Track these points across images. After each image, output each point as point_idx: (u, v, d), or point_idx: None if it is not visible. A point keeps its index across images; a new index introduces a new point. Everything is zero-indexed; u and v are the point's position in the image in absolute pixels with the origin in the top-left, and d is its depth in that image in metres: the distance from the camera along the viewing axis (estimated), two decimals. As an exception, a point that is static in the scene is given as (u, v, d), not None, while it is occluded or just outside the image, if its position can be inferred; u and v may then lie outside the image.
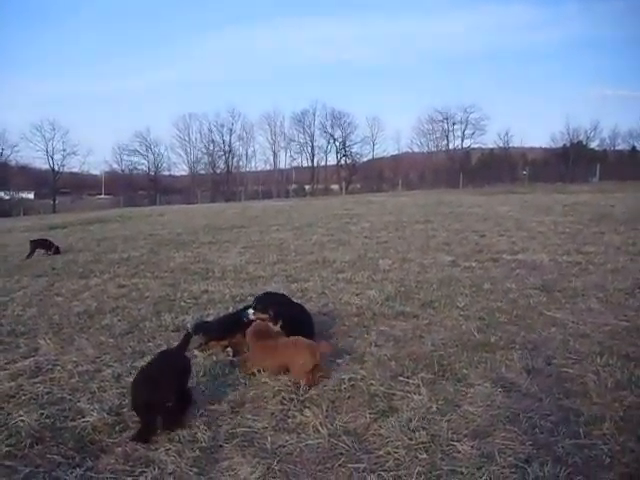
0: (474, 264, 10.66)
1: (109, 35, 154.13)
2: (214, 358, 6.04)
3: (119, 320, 7.81)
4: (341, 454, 3.96)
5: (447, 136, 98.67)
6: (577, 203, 22.82)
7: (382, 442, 4.09)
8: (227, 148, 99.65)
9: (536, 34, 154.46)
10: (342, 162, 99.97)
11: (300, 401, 4.84)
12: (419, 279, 9.52)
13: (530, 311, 7.31)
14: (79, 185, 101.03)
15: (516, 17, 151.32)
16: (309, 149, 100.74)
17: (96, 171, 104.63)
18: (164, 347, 6.42)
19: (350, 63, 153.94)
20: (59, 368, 5.94)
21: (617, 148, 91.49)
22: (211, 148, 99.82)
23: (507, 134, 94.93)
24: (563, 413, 4.39)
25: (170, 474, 3.79)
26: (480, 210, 22.05)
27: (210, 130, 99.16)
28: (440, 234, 15.32)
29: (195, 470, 3.83)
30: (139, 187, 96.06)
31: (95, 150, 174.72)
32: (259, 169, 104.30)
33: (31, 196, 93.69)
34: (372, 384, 5.10)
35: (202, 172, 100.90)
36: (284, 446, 4.12)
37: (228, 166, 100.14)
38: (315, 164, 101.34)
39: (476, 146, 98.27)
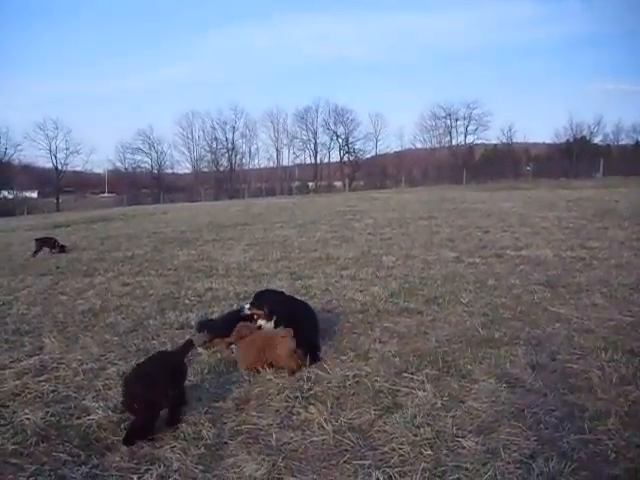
0: (478, 260, 10.66)
1: (110, 34, 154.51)
2: (218, 355, 6.04)
3: (123, 318, 7.82)
4: (346, 450, 3.96)
5: (450, 132, 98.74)
6: (581, 198, 22.77)
7: (387, 438, 4.09)
8: (230, 145, 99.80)
9: (538, 29, 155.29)
10: (345, 159, 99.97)
11: (305, 398, 4.84)
12: (423, 275, 9.52)
13: (534, 307, 7.30)
14: (82, 184, 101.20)
15: (518, 12, 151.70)
16: (312, 146, 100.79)
17: (99, 170, 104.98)
18: (168, 345, 6.45)
19: (353, 60, 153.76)
20: (64, 366, 5.95)
21: (621, 143, 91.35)
22: (214, 146, 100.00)
23: (510, 130, 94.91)
24: (568, 408, 4.39)
25: (175, 471, 3.79)
26: (484, 206, 22.01)
27: (213, 128, 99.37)
28: (444, 230, 15.32)
29: (200, 467, 3.83)
30: (142, 185, 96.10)
31: (98, 149, 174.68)
32: (262, 166, 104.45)
33: (34, 195, 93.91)
34: (377, 380, 5.10)
35: (205, 170, 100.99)
36: (289, 443, 4.12)
37: (231, 164, 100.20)
38: (318, 161, 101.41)
39: (479, 142, 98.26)
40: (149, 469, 3.84)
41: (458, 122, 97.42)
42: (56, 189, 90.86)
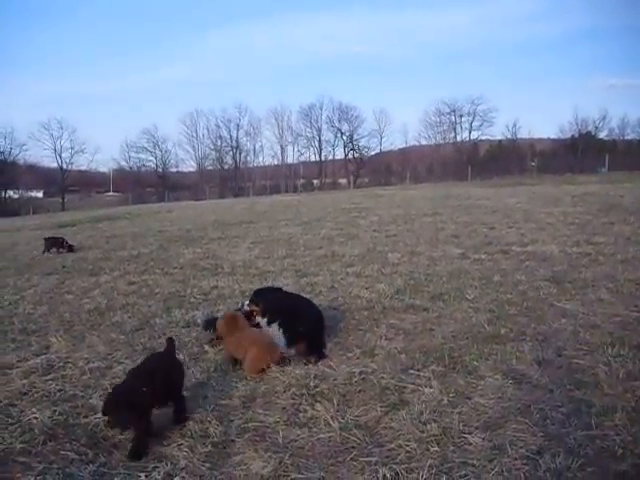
0: (483, 256, 10.64)
1: (113, 33, 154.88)
2: (224, 353, 6.04)
3: (129, 317, 7.84)
4: (352, 447, 3.96)
5: (455, 128, 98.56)
6: (586, 194, 22.73)
7: (393, 435, 4.09)
8: (234, 144, 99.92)
9: (541, 24, 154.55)
10: (350, 156, 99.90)
11: (311, 395, 4.84)
12: (428, 272, 9.52)
13: (540, 303, 7.29)
14: (87, 183, 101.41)
15: (520, 7, 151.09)
16: (316, 143, 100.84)
17: (104, 169, 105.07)
18: (175, 343, 6.46)
19: (356, 57, 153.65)
20: (71, 365, 5.97)
21: (626, 138, 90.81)
22: (218, 144, 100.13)
23: (515, 125, 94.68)
24: (574, 404, 4.38)
25: (182, 469, 3.80)
26: (489, 202, 21.99)
27: (217, 126, 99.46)
28: (449, 227, 15.30)
29: (207, 465, 3.84)
30: (147, 184, 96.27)
31: (103, 148, 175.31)
32: (267, 164, 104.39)
33: (40, 195, 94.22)
34: (383, 377, 5.10)
35: (210, 168, 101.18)
36: (296, 440, 4.13)
37: (236, 162, 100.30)
38: (323, 158, 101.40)
39: (484, 138, 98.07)
40: (156, 467, 3.85)
41: (462, 118, 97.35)
42: (61, 188, 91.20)
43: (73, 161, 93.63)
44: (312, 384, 5.04)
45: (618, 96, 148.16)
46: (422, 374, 5.14)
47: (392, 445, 3.95)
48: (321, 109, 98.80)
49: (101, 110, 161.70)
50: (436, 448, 3.85)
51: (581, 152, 77.69)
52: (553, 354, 5.46)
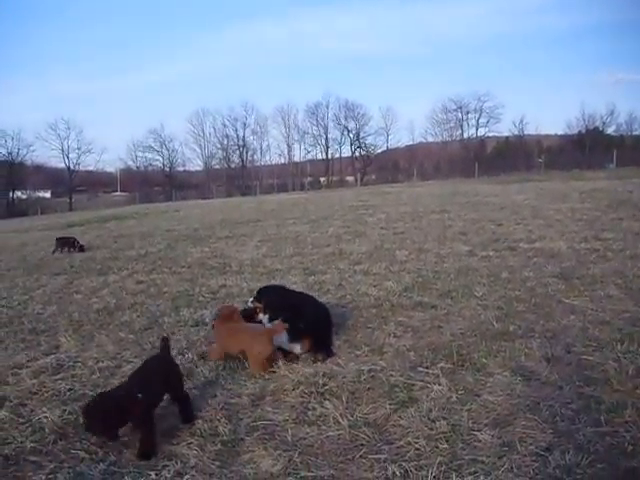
0: (491, 253, 10.63)
1: (120, 32, 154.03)
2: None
3: (138, 316, 7.86)
4: (362, 445, 3.96)
5: (461, 125, 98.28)
6: (594, 190, 22.64)
7: (402, 432, 4.09)
8: (241, 142, 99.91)
9: (548, 18, 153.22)
10: (356, 154, 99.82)
11: (320, 393, 4.84)
12: (436, 269, 9.51)
13: (548, 299, 7.27)
14: (95, 183, 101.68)
15: (527, 1, 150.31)
16: (323, 141, 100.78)
17: (111, 168, 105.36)
18: (183, 342, 6.48)
19: (362, 54, 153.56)
20: (80, 365, 6.00)
21: (634, 133, 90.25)
22: (225, 143, 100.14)
23: (522, 122, 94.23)
24: (584, 401, 4.37)
25: (192, 467, 3.81)
26: (496, 199, 21.94)
27: (224, 125, 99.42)
28: (456, 224, 15.28)
29: (217, 463, 3.85)
30: (154, 183, 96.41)
31: (110, 148, 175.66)
32: (274, 162, 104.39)
33: (47, 195, 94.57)
34: (392, 375, 5.11)
35: (217, 167, 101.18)
36: (305, 438, 4.14)
37: (243, 160, 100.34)
38: (329, 156, 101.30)
39: (491, 135, 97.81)
40: (166, 465, 3.86)
41: (469, 115, 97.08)
42: (69, 189, 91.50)
43: (80, 161, 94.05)
44: (321, 382, 5.04)
45: (626, 91, 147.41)
46: (431, 371, 5.14)
47: (401, 442, 3.96)
48: (327, 107, 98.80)
49: (108, 110, 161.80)
50: (445, 445, 3.85)
51: (589, 148, 77.41)
52: (562, 351, 5.45)
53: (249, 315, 6.26)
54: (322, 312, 6.22)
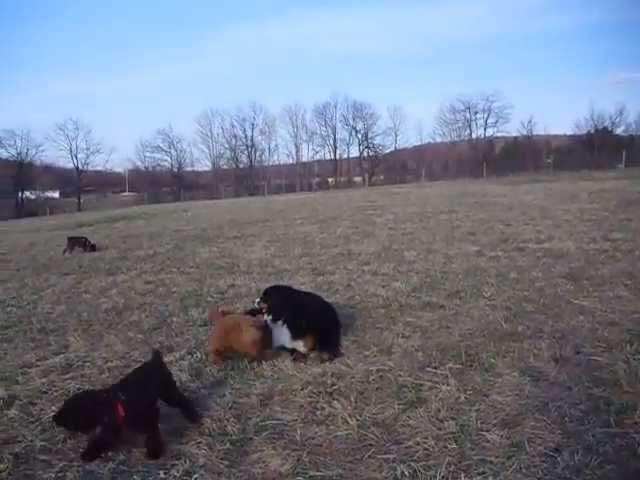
0: (500, 253, 10.61)
1: (128, 33, 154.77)
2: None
3: (147, 316, 7.89)
4: (370, 445, 3.97)
5: (470, 125, 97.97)
6: (603, 190, 22.58)
7: (411, 433, 4.09)
8: (249, 142, 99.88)
9: (557, 17, 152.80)
10: (364, 154, 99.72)
11: (328, 393, 4.85)
12: (445, 269, 9.50)
13: (557, 300, 7.26)
14: (103, 183, 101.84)
15: (537, 2, 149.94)
16: (331, 142, 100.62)
17: (120, 169, 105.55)
18: (192, 342, 6.49)
19: (371, 54, 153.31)
20: (89, 364, 6.02)
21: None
22: (233, 143, 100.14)
23: (530, 122, 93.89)
24: (593, 402, 4.36)
25: (201, 467, 3.82)
26: (505, 199, 21.91)
27: (232, 125, 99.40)
28: (465, 224, 15.26)
29: (226, 462, 3.86)
30: (163, 184, 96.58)
31: (118, 148, 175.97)
32: (282, 163, 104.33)
33: (56, 195, 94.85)
34: (400, 375, 5.11)
35: (225, 167, 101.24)
36: (313, 438, 4.14)
37: (251, 160, 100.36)
38: (337, 157, 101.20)
39: (499, 135, 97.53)
40: (175, 464, 3.87)
41: (477, 115, 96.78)
42: (77, 189, 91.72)
43: (89, 161, 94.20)
44: (329, 382, 5.05)
45: (636, 91, 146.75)
46: (439, 372, 5.13)
47: (410, 442, 3.95)
48: (335, 107, 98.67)
49: (116, 110, 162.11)
50: (454, 445, 3.85)
51: (598, 148, 76.99)
52: (571, 351, 5.43)
53: (254, 315, 6.29)
54: (327, 311, 6.23)
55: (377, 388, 4.90)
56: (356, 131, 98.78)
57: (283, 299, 6.10)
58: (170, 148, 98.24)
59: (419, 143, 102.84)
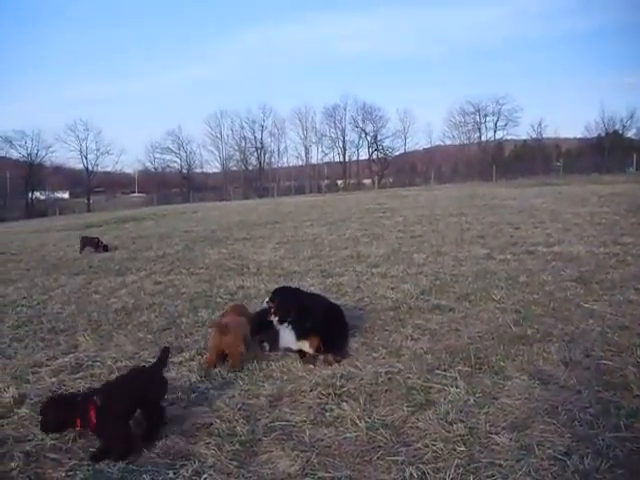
0: (509, 257, 10.59)
1: (139, 33, 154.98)
2: (251, 353, 6.06)
3: (156, 316, 7.91)
4: (379, 447, 3.97)
5: (479, 128, 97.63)
6: (613, 194, 22.49)
7: (420, 435, 4.09)
8: (259, 144, 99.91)
9: (567, 21, 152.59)
10: (374, 156, 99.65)
11: (337, 395, 4.85)
12: (454, 272, 9.49)
13: (567, 303, 7.24)
14: (113, 184, 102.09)
15: (545, 4, 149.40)
16: (340, 144, 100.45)
17: (129, 170, 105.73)
18: (201, 343, 6.51)
19: (380, 56, 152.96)
20: (99, 364, 6.05)
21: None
22: (243, 145, 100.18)
23: (540, 125, 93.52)
24: (603, 406, 4.35)
25: (210, 467, 3.83)
26: (514, 202, 21.85)
27: (241, 127, 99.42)
28: (474, 227, 15.24)
29: (235, 463, 3.87)
30: (172, 185, 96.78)
31: (128, 149, 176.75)
32: (291, 165, 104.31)
33: (66, 196, 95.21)
34: (409, 377, 5.11)
35: (234, 169, 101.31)
36: (322, 439, 4.15)
37: (260, 162, 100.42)
38: (347, 159, 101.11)
39: (509, 138, 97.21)
40: (184, 465, 3.88)
41: (487, 118, 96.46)
42: (87, 189, 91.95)
43: (99, 162, 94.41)
44: (338, 384, 5.05)
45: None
46: (448, 374, 5.13)
47: (419, 445, 3.95)
48: (345, 109, 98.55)
49: (126, 112, 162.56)
50: (463, 448, 3.85)
51: (608, 151, 76.57)
52: (581, 355, 5.42)
53: (264, 316, 6.31)
54: (333, 313, 6.24)
55: (386, 390, 4.91)
56: (365, 133, 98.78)
57: (289, 300, 6.11)
58: (180, 149, 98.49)
59: (428, 145, 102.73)
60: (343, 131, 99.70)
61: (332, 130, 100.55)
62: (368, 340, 6.30)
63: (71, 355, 6.41)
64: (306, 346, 5.84)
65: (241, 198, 72.86)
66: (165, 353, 4.78)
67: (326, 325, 5.96)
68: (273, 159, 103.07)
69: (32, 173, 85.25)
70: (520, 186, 35.22)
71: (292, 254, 12.69)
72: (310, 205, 29.85)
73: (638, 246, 10.78)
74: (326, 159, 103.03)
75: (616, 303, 7.11)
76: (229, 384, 5.29)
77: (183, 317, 7.76)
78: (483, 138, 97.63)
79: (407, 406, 4.54)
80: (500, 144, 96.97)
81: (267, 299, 6.30)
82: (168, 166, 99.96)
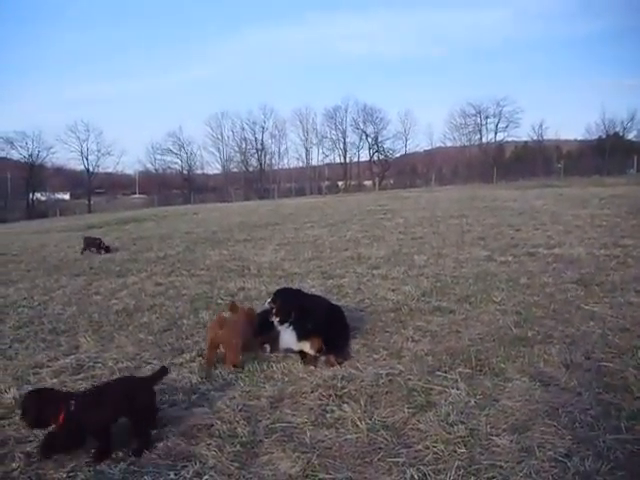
0: (510, 258, 10.59)
1: (140, 34, 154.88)
2: (252, 354, 6.07)
3: (157, 318, 7.93)
4: (380, 448, 3.97)
5: (480, 130, 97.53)
6: (614, 196, 22.47)
7: (421, 436, 4.10)
8: (259, 146, 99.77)
9: (569, 24, 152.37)
10: (375, 158, 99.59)
11: (338, 396, 4.86)
12: (455, 274, 9.50)
13: (568, 305, 7.24)
14: (113, 185, 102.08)
15: (548, 6, 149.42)
16: (341, 145, 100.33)
17: (130, 171, 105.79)
18: (202, 344, 6.51)
19: (381, 58, 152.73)
20: (100, 365, 6.06)
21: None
22: (243, 146, 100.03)
23: (541, 126, 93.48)
24: (603, 408, 4.35)
25: (211, 468, 3.84)
26: (515, 204, 21.83)
27: (242, 128, 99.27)
28: (475, 229, 15.23)
29: (236, 464, 3.87)
30: (173, 186, 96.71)
31: (129, 150, 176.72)
32: (291, 166, 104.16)
33: (66, 197, 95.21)
34: (410, 379, 5.11)
35: (235, 170, 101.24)
36: (323, 441, 4.15)
37: (261, 164, 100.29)
38: (347, 160, 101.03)
39: (510, 139, 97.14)
40: (185, 466, 3.89)
41: (488, 120, 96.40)
42: (88, 190, 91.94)
43: (99, 163, 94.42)
44: (339, 385, 5.07)
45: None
46: (449, 376, 5.14)
47: (419, 446, 3.96)
48: (346, 111, 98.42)
49: (127, 113, 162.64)
50: (463, 450, 3.85)
51: (609, 153, 76.50)
52: (581, 357, 5.42)
53: (266, 316, 6.31)
54: (335, 314, 6.25)
55: (387, 392, 4.91)
56: (366, 135, 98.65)
57: (291, 301, 6.11)
58: (180, 151, 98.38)
59: (429, 147, 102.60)
60: (344, 132, 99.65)
61: (333, 132, 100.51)
62: (369, 341, 6.30)
63: (72, 356, 6.42)
64: (307, 347, 5.85)
65: (242, 199, 72.79)
66: (161, 373, 4.74)
67: (328, 326, 5.96)
68: (274, 160, 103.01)
69: (33, 174, 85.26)
70: (521, 188, 35.21)
71: (293, 255, 12.69)
72: (311, 207, 29.84)
73: (639, 248, 10.77)
74: (327, 160, 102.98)
75: (617, 305, 7.11)
76: (230, 385, 5.30)
77: (184, 318, 7.77)
78: (484, 140, 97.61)
79: (408, 408, 4.55)
80: (501, 146, 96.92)
81: (269, 300, 6.31)
82: (169, 167, 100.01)
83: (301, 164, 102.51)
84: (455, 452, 3.84)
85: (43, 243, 20.98)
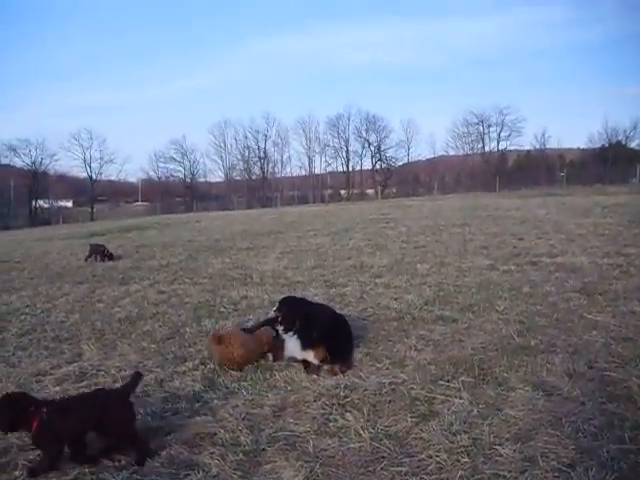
0: (513, 267, 10.58)
1: (144, 42, 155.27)
2: (255, 363, 6.07)
3: (160, 326, 7.93)
4: (383, 457, 3.97)
5: (482, 139, 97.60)
6: (617, 204, 22.47)
7: (424, 446, 4.09)
8: (262, 154, 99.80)
9: (570, 32, 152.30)
10: (377, 166, 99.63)
11: (341, 405, 4.86)
12: (457, 283, 9.49)
13: (570, 314, 7.23)
14: (116, 193, 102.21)
15: (549, 15, 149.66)
16: (344, 154, 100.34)
17: (133, 179, 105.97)
18: (205, 352, 6.51)
19: (384, 66, 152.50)
20: (103, 373, 6.07)
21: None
22: (246, 154, 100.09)
23: (544, 135, 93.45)
24: (607, 417, 4.34)
25: (214, 477, 3.84)
26: (517, 213, 21.84)
27: (245, 136, 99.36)
28: (478, 238, 15.23)
29: (239, 473, 3.87)
30: (175, 194, 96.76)
31: (132, 158, 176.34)
32: (294, 174, 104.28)
33: (69, 204, 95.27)
34: (413, 388, 5.11)
35: (237, 178, 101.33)
36: (326, 450, 4.14)
37: (263, 172, 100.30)
38: (350, 169, 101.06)
39: (512, 148, 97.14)
40: (188, 474, 3.89)
41: (490, 128, 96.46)
42: (90, 198, 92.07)
43: (102, 171, 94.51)
44: (342, 394, 5.06)
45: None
46: (452, 385, 5.13)
47: (422, 455, 3.95)
48: (349, 120, 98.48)
49: (130, 120, 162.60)
50: (466, 459, 3.84)
51: (611, 162, 76.44)
52: (584, 366, 5.41)
53: (271, 324, 6.33)
54: (339, 323, 6.24)
55: (390, 401, 4.90)
56: (369, 143, 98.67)
57: (296, 310, 6.11)
58: (183, 159, 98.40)
59: (432, 156, 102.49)
60: (346, 141, 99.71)
61: (335, 140, 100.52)
62: (372, 350, 6.30)
63: (75, 364, 6.43)
64: (311, 356, 5.85)
65: (244, 208, 72.90)
66: (135, 378, 4.60)
67: (332, 335, 5.96)
68: (276, 169, 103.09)
69: (36, 181, 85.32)
70: (523, 197, 35.21)
71: (295, 264, 12.70)
72: (313, 215, 29.87)
73: (642, 257, 10.77)
74: (329, 169, 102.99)
75: (620, 314, 7.10)
76: (233, 394, 5.30)
77: (187, 326, 7.78)
78: (486, 148, 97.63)
79: (411, 417, 4.54)
80: (503, 154, 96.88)
81: (274, 308, 6.31)
82: (171, 175, 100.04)
83: (304, 172, 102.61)
84: (458, 461, 3.83)
85: (46, 250, 21.02)
